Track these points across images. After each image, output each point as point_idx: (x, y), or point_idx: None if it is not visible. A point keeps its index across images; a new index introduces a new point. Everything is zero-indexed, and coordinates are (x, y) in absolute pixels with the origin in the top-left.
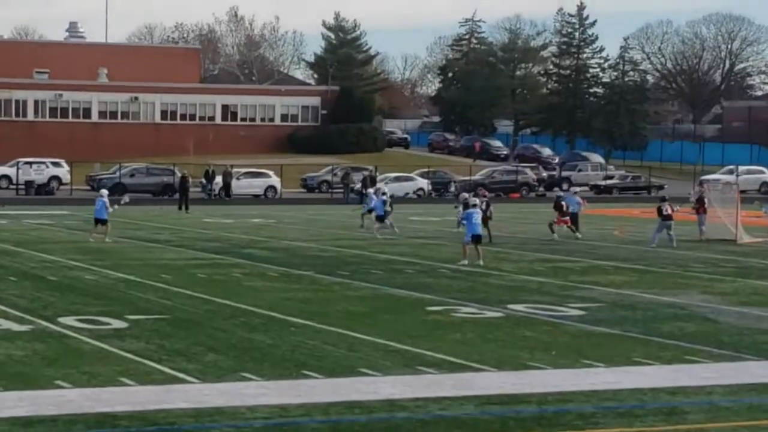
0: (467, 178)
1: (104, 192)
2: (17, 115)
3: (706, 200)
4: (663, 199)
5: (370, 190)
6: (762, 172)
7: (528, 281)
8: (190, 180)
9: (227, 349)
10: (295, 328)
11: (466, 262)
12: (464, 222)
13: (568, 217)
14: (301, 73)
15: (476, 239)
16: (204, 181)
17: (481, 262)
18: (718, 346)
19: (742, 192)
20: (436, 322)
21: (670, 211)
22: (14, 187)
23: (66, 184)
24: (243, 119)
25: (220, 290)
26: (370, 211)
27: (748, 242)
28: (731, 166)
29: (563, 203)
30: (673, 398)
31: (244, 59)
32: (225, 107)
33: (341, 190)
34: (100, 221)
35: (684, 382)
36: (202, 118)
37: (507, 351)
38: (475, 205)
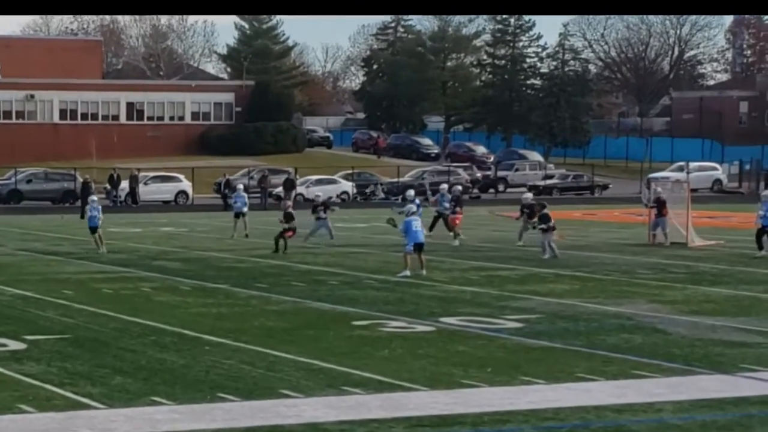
0: (395, 180)
1: (93, 198)
2: None
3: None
4: (544, 206)
5: (240, 186)
6: (715, 169)
7: (461, 292)
8: (93, 186)
9: (136, 370)
10: (210, 346)
11: (408, 273)
12: (404, 232)
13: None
14: (213, 66)
15: (418, 248)
16: (108, 186)
17: (424, 272)
18: (667, 359)
19: (694, 191)
20: (362, 338)
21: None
22: None
23: None
24: (150, 118)
25: (128, 306)
26: (237, 215)
27: (700, 245)
28: (681, 163)
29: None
30: (619, 416)
31: (150, 52)
32: (130, 105)
33: (258, 195)
34: (94, 229)
35: (631, 398)
36: (105, 118)
37: (439, 368)
38: (413, 213)
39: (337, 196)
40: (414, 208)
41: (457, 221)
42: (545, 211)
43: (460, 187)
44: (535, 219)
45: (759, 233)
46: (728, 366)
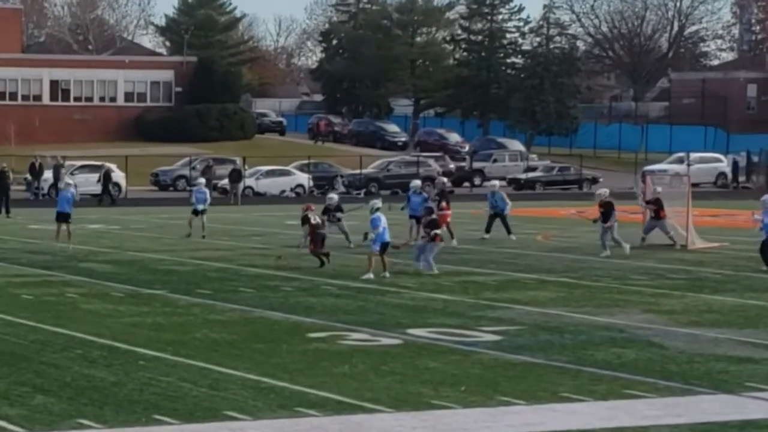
0: (357, 171)
1: (70, 181)
2: None
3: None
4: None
5: (202, 180)
6: (719, 161)
7: (432, 299)
8: (11, 176)
9: (60, 389)
10: (145, 361)
11: (370, 275)
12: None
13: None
14: (149, 40)
15: (385, 248)
16: (29, 177)
17: (387, 275)
18: (664, 376)
19: (695, 185)
20: (319, 352)
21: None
22: None
23: None
24: (77, 98)
25: (51, 315)
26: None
27: (701, 248)
28: (681, 154)
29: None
30: None
31: (77, 23)
32: (54, 83)
33: None
34: (63, 216)
35: (622, 421)
36: (25, 98)
37: (406, 387)
38: (378, 209)
39: (291, 190)
40: (379, 203)
41: (447, 219)
42: (433, 216)
43: (444, 179)
44: (610, 224)
45: (765, 246)
46: (732, 385)
